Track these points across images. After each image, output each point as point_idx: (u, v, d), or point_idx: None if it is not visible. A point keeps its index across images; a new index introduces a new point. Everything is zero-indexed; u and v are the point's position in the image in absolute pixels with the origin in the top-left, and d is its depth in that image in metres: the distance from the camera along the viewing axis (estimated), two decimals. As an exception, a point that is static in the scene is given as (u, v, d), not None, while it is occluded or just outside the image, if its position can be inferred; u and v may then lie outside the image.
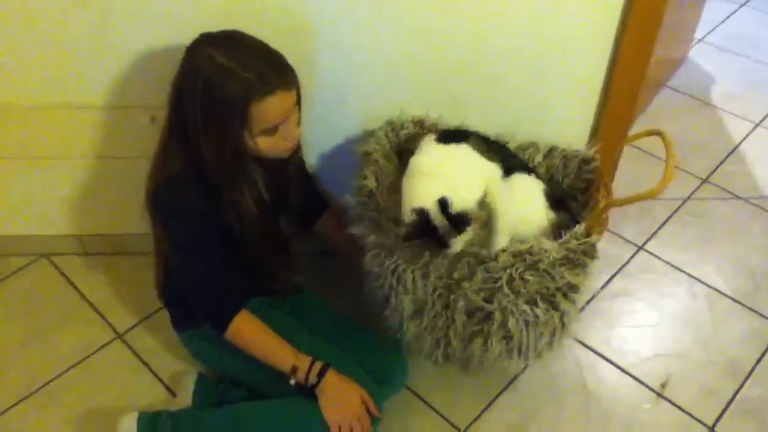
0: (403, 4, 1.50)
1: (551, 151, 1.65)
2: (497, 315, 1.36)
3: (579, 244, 1.40)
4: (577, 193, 1.61)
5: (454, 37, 1.56)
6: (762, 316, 1.90)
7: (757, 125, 2.59)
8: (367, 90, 1.65)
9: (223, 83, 1.22)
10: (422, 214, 1.35)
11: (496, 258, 1.37)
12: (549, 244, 1.39)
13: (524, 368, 1.74)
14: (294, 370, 1.39)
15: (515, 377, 1.73)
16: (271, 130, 1.31)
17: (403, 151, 1.57)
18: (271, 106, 1.26)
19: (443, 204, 1.35)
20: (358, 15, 1.52)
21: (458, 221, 1.34)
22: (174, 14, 1.50)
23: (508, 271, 1.34)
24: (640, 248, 2.09)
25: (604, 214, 1.47)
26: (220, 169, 1.33)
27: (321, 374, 1.39)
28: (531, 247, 1.38)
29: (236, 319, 1.40)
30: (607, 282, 1.99)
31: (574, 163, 1.62)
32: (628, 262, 2.05)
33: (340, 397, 1.39)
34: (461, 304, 1.37)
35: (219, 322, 1.41)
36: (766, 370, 1.77)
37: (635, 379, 1.75)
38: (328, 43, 1.56)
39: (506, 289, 1.34)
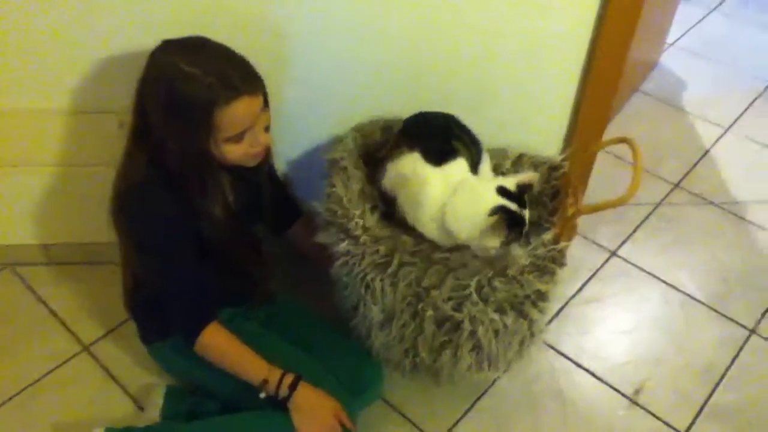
0: (379, 9, 1.48)
1: (520, 158, 1.64)
2: (466, 324, 1.35)
3: (547, 251, 1.39)
4: (546, 200, 1.60)
5: (428, 42, 1.54)
6: (734, 321, 1.91)
7: (727, 130, 2.61)
8: (340, 95, 1.63)
9: (185, 89, 1.19)
10: (502, 210, 1.35)
11: (466, 265, 1.36)
12: (517, 251, 1.38)
13: (497, 378, 1.73)
14: (264, 383, 1.36)
15: (491, 384, 1.72)
16: (237, 138, 1.27)
17: (372, 157, 1.56)
18: (236, 112, 1.22)
19: (503, 190, 1.36)
20: (331, 20, 1.50)
21: (522, 195, 1.37)
22: (142, 17, 1.46)
23: (477, 277, 1.33)
24: (613, 254, 2.10)
25: (573, 221, 1.46)
26: (185, 176, 1.30)
27: (292, 387, 1.36)
28: (501, 254, 1.37)
29: (205, 331, 1.36)
30: (581, 288, 1.99)
31: (542, 169, 1.61)
32: (601, 267, 2.05)
33: (313, 411, 1.37)
34: (430, 313, 1.36)
35: (189, 333, 1.38)
36: (738, 375, 1.78)
37: (609, 385, 1.74)
38: (298, 49, 1.54)
39: (475, 297, 1.33)
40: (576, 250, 2.07)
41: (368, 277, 1.37)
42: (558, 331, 1.86)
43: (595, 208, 1.39)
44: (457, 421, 1.64)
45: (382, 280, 1.37)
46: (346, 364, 1.53)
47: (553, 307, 1.81)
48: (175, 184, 1.30)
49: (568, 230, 1.45)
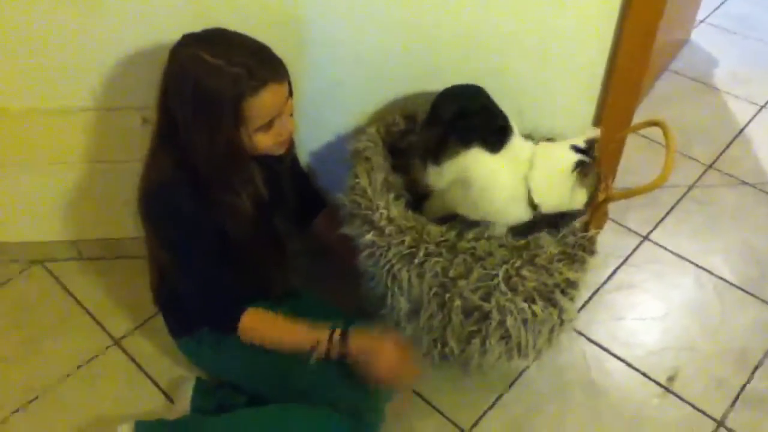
0: None
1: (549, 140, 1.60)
2: (495, 314, 1.32)
3: (577, 240, 1.37)
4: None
5: (450, 29, 1.51)
6: (770, 305, 1.87)
7: (762, 107, 2.53)
8: (360, 86, 1.62)
9: (212, 82, 1.18)
10: (584, 162, 1.35)
11: (492, 254, 1.33)
12: (546, 239, 1.35)
13: (527, 366, 1.71)
14: (314, 345, 1.35)
15: (520, 373, 1.70)
16: (267, 126, 1.27)
17: (396, 148, 1.54)
18: (264, 101, 1.22)
19: (577, 148, 1.36)
20: (349, 8, 1.48)
21: (591, 150, 1.37)
22: (161, 12, 1.46)
23: (504, 267, 1.31)
24: (645, 238, 2.05)
25: (603, 208, 1.43)
26: (214, 171, 1.29)
27: (344, 337, 1.35)
28: (528, 242, 1.34)
29: (243, 319, 1.37)
30: (612, 274, 1.95)
31: None
32: (632, 252, 2.01)
33: (375, 351, 1.35)
34: (457, 303, 1.34)
35: (226, 322, 1.38)
36: (776, 361, 1.74)
37: (642, 373, 1.71)
38: (318, 38, 1.52)
39: (503, 287, 1.31)
40: (606, 236, 2.03)
41: (395, 269, 1.36)
42: (589, 318, 1.83)
43: (627, 194, 1.36)
44: (486, 411, 1.63)
45: (408, 271, 1.35)
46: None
47: (583, 294, 1.78)
48: (201, 183, 1.29)
49: (599, 217, 1.42)
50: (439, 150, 1.41)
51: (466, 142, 1.38)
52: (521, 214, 1.40)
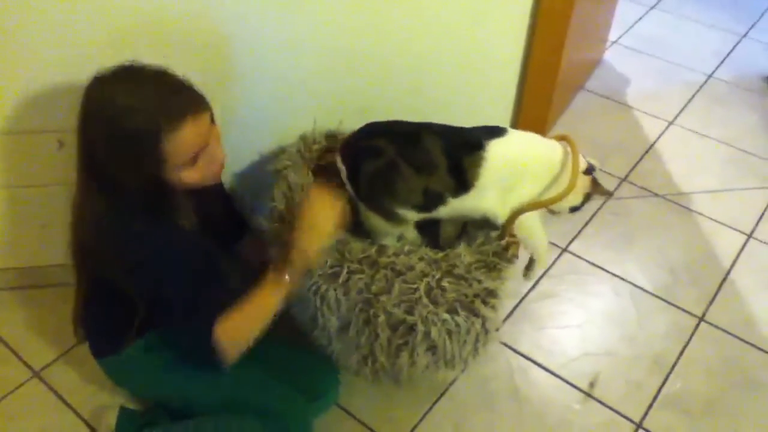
0: (317, 18, 1.49)
1: None
2: (419, 326, 1.35)
3: (493, 248, 1.41)
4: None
5: (368, 49, 1.55)
6: (683, 310, 1.96)
7: (670, 123, 2.67)
8: (284, 106, 1.63)
9: (127, 123, 1.15)
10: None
11: (412, 268, 1.36)
12: (464, 249, 1.39)
13: (455, 379, 1.74)
14: (285, 286, 1.30)
15: (448, 387, 1.73)
16: (192, 161, 1.22)
17: (317, 166, 1.56)
18: (184, 137, 1.17)
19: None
20: (271, 28, 1.50)
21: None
22: (77, 38, 1.44)
23: (425, 280, 1.34)
24: (564, 250, 2.13)
25: (514, 219, 1.49)
26: (145, 207, 1.25)
27: (285, 264, 1.29)
28: (447, 254, 1.38)
29: (217, 327, 1.26)
30: (534, 285, 2.01)
31: None
32: (553, 264, 2.08)
33: (312, 232, 1.30)
34: (382, 318, 1.36)
35: (206, 335, 1.27)
36: (688, 363, 1.82)
37: (564, 380, 1.77)
38: (240, 58, 1.53)
39: (425, 300, 1.34)
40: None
41: (321, 289, 1.37)
42: (513, 329, 1.88)
43: (535, 206, 1.41)
44: (416, 426, 1.65)
45: (335, 290, 1.37)
46: (301, 373, 1.52)
47: (505, 303, 1.83)
48: (138, 208, 1.26)
49: (510, 228, 1.47)
50: (461, 178, 1.40)
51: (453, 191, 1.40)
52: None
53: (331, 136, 1.61)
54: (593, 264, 2.09)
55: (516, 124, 1.73)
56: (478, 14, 1.52)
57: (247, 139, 1.67)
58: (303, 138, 1.60)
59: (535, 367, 1.80)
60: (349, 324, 1.42)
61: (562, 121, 2.61)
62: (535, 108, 1.74)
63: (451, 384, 1.73)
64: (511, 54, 1.62)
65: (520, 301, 1.96)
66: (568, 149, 1.45)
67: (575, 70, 2.63)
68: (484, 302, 1.39)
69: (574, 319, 1.93)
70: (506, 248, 1.47)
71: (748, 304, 1.99)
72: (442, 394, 1.71)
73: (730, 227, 2.23)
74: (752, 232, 2.23)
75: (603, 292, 2.01)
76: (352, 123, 1.60)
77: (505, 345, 1.84)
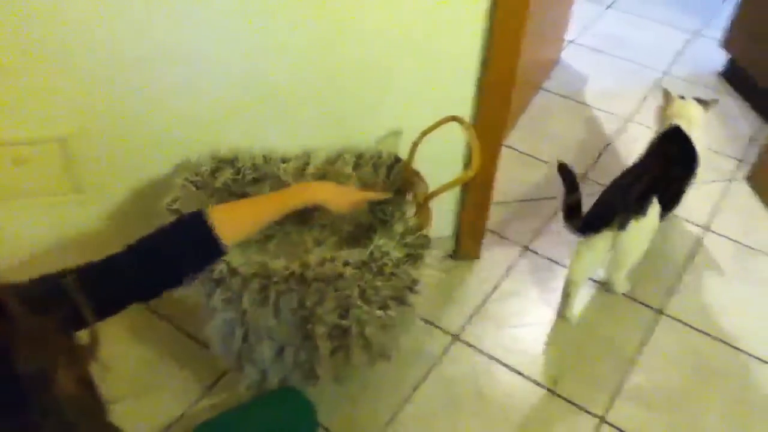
0: (221, 47, 1.48)
1: (359, 158, 1.65)
2: (354, 328, 1.37)
3: (416, 239, 1.43)
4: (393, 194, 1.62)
5: (319, 57, 1.55)
6: (642, 304, 1.98)
7: (627, 121, 2.70)
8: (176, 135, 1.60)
9: None
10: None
11: (342, 275, 1.34)
12: (388, 245, 1.39)
13: (419, 383, 1.74)
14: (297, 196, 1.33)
15: (412, 392, 1.72)
16: None
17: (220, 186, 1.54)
18: None
19: None
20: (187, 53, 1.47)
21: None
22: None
23: (358, 284, 1.34)
24: (526, 248, 2.14)
25: (426, 206, 1.50)
26: None
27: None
28: (372, 253, 1.37)
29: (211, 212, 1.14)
30: (497, 285, 2.02)
31: (384, 166, 1.65)
32: (516, 263, 2.09)
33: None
34: (321, 330, 1.37)
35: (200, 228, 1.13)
36: (650, 356, 1.84)
37: (528, 378, 1.77)
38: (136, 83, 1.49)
39: (359, 302, 1.35)
40: (491, 248, 2.11)
41: (250, 316, 1.35)
42: (477, 329, 1.89)
43: (443, 189, 1.45)
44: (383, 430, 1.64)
45: (265, 314, 1.34)
46: (276, 416, 1.38)
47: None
48: None
49: (425, 215, 1.50)
50: (641, 200, 1.78)
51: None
52: None
53: (215, 158, 1.57)
54: (554, 261, 2.10)
55: (476, 124, 1.73)
56: (433, 17, 1.52)
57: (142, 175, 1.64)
58: (184, 166, 1.56)
59: (500, 366, 1.80)
60: (284, 346, 1.42)
61: (522, 120, 2.63)
62: (494, 108, 1.74)
63: (415, 389, 1.73)
64: (468, 55, 1.62)
65: (483, 302, 1.96)
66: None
67: (533, 70, 2.65)
68: (411, 290, 1.42)
69: (536, 317, 1.94)
70: (421, 227, 1.47)
71: (707, 296, 2.02)
72: (406, 401, 1.71)
73: (687, 221, 2.26)
74: (709, 225, 2.26)
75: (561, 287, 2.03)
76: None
77: (470, 345, 1.84)
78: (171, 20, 1.40)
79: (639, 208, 1.78)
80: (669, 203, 1.91)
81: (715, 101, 2.13)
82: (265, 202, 1.35)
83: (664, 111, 2.12)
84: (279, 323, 1.35)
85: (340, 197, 1.43)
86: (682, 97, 2.11)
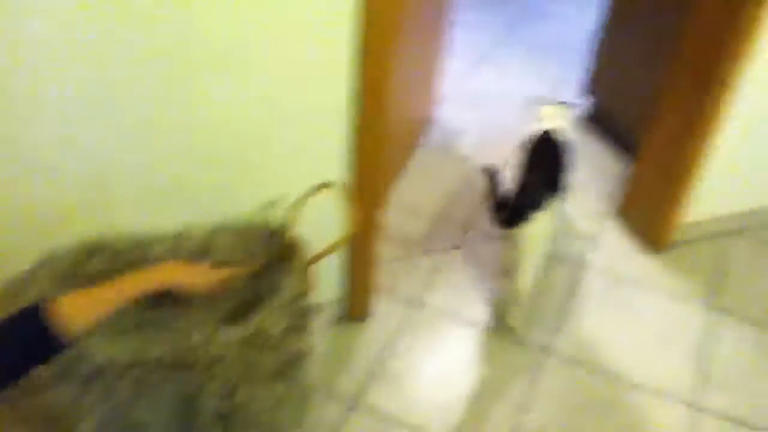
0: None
1: (237, 231, 1.64)
2: (241, 410, 1.34)
3: (300, 308, 1.43)
4: (274, 263, 1.62)
5: (180, 120, 1.55)
6: (527, 345, 2.06)
7: (504, 167, 2.82)
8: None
9: None
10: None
11: (223, 357, 1.31)
12: (270, 319, 1.37)
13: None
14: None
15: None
16: None
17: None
18: None
19: None
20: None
21: None
22: None
23: (241, 363, 1.32)
24: (415, 303, 2.18)
25: (309, 272, 1.52)
26: None
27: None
28: (253, 328, 1.35)
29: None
30: (390, 343, 2.03)
31: (263, 236, 1.65)
32: (406, 319, 2.12)
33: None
34: (206, 417, 1.33)
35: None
36: (538, 398, 1.90)
37: (428, 432, 1.79)
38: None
39: (244, 382, 1.33)
40: (381, 306, 2.13)
41: (129, 408, 1.30)
42: (375, 392, 1.89)
43: (323, 254, 1.48)
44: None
45: (144, 404, 1.30)
46: None
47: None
48: None
49: (309, 283, 1.51)
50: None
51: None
52: None
53: (95, 249, 1.52)
54: (445, 311, 2.15)
55: (353, 184, 1.76)
56: (300, 82, 1.55)
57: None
58: (52, 258, 1.47)
59: (400, 426, 1.81)
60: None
61: (403, 179, 2.70)
62: (369, 168, 1.78)
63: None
64: (337, 118, 1.65)
65: (381, 363, 1.97)
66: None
67: (408, 129, 2.74)
68: (298, 363, 1.41)
69: (432, 371, 1.97)
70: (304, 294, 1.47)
71: (590, 330, 2.11)
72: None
73: (567, 259, 2.37)
74: (583, 259, 2.38)
75: (454, 337, 2.08)
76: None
77: (369, 410, 1.84)
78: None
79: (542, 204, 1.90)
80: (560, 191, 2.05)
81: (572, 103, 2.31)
82: (113, 288, 1.24)
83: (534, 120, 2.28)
84: (159, 412, 1.30)
85: (195, 278, 1.39)
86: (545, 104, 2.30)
